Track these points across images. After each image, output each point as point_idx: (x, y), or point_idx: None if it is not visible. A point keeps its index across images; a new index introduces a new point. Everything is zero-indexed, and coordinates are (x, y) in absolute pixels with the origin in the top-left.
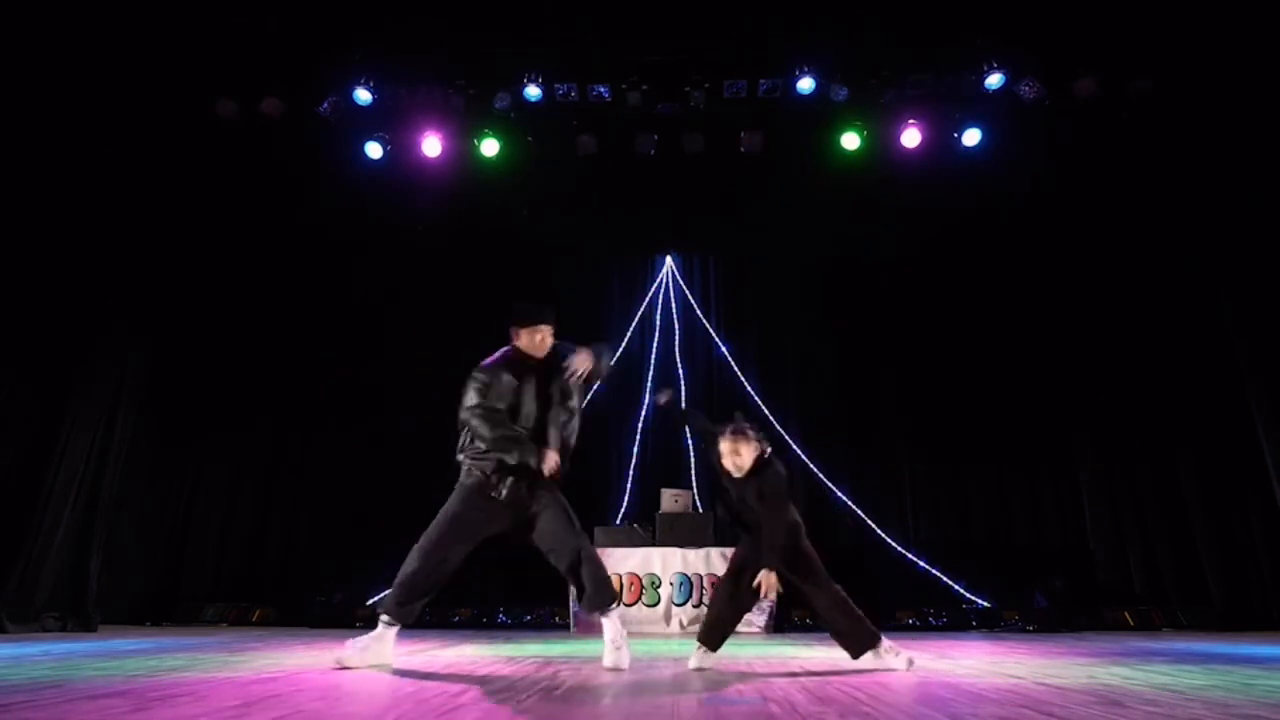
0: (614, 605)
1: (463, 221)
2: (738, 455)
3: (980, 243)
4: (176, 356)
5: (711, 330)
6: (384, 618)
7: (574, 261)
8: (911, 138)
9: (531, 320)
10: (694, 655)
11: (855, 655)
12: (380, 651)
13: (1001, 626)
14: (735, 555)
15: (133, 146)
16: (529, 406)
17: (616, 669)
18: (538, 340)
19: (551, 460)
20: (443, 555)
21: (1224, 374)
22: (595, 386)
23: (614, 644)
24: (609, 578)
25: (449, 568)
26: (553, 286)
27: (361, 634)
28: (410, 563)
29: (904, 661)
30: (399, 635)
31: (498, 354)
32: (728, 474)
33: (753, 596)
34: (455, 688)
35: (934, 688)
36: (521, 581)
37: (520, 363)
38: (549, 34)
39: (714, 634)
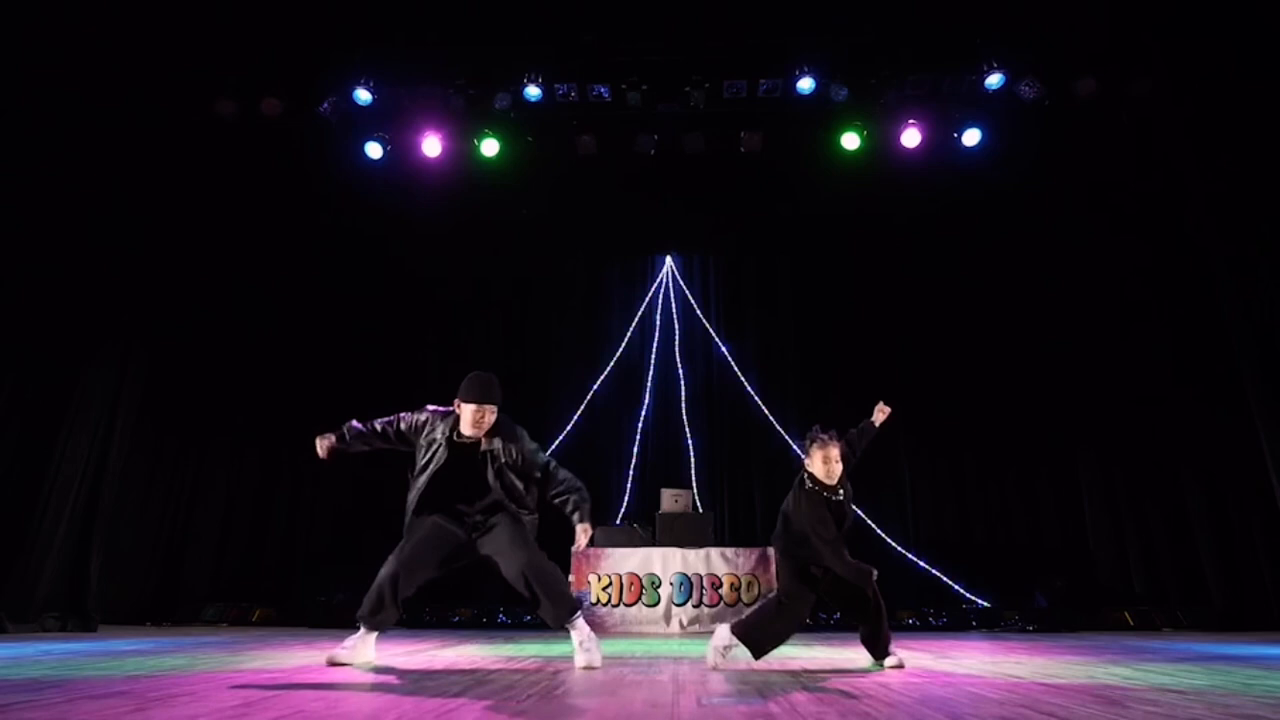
0: (576, 615)
1: (462, 222)
2: (836, 461)
3: (980, 242)
4: (177, 357)
5: (711, 330)
6: (361, 626)
7: (574, 261)
8: (911, 138)
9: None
10: (723, 644)
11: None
12: (364, 652)
13: (1001, 626)
14: (801, 570)
15: (132, 148)
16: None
17: (590, 667)
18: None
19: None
20: (410, 571)
21: (1224, 373)
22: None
23: (584, 646)
24: (565, 591)
25: (414, 584)
26: (552, 286)
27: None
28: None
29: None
30: (399, 636)
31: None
32: (828, 484)
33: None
34: (455, 688)
35: (934, 688)
36: None
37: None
38: (549, 34)
39: (765, 644)
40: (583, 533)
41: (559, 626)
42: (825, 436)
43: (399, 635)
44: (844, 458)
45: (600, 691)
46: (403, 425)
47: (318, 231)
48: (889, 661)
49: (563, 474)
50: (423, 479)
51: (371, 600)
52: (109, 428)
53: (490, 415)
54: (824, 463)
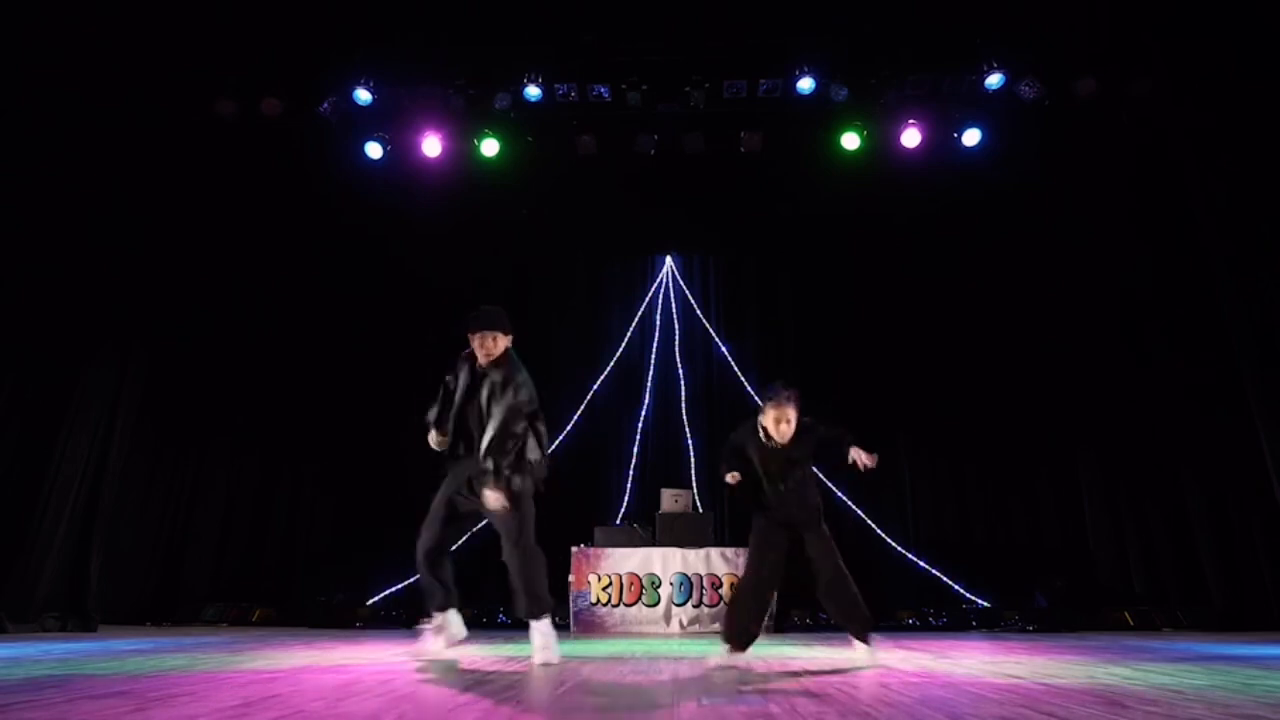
0: (544, 615)
1: (462, 221)
2: (786, 422)
3: (980, 242)
4: (177, 357)
5: (711, 330)
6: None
7: (574, 261)
8: (911, 138)
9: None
10: (721, 655)
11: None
12: (450, 633)
13: (1001, 626)
14: (763, 543)
15: (132, 148)
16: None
17: (546, 664)
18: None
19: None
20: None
21: (1224, 373)
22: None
23: (543, 646)
24: (540, 586)
25: (434, 539)
26: (552, 286)
27: (361, 633)
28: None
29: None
30: (399, 636)
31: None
32: (771, 443)
33: (778, 578)
34: (455, 687)
35: (934, 688)
36: None
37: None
38: (549, 34)
39: (745, 634)
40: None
41: (525, 619)
42: (785, 395)
43: (399, 635)
44: (802, 427)
45: (600, 692)
46: (449, 382)
47: (318, 232)
48: (868, 648)
49: (525, 423)
50: (451, 410)
51: (424, 589)
52: (109, 428)
53: (493, 341)
54: (775, 422)
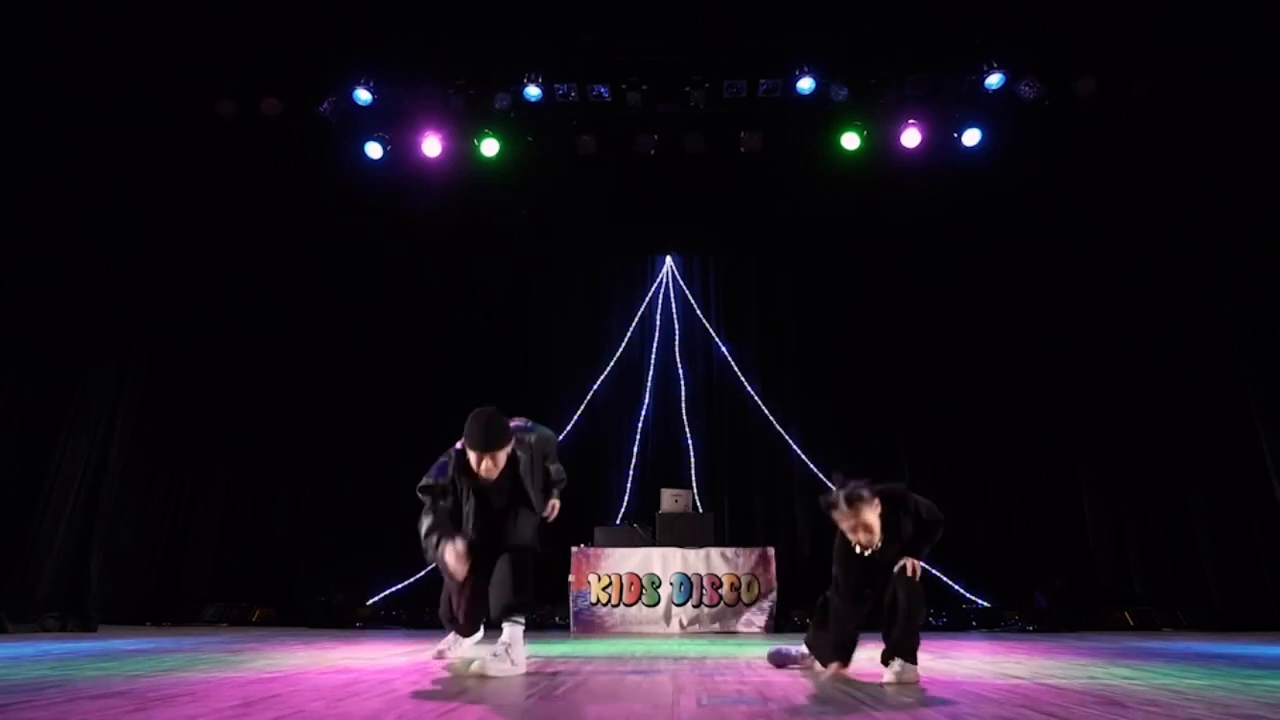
0: (515, 618)
1: (462, 222)
2: (866, 530)
3: (980, 242)
4: (177, 357)
5: (711, 330)
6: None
7: (574, 261)
8: (911, 138)
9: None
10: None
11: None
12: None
13: (1001, 626)
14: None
15: (132, 148)
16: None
17: (482, 674)
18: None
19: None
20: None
21: (1224, 373)
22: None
23: (495, 652)
24: (513, 590)
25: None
26: (552, 286)
27: (361, 633)
28: None
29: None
30: (399, 636)
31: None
32: (864, 553)
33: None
34: (455, 688)
35: (934, 688)
36: None
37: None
38: (549, 34)
39: (846, 650)
40: (552, 508)
41: (494, 618)
42: (846, 495)
43: (399, 635)
44: (887, 522)
45: (600, 692)
46: (445, 488)
47: (318, 232)
48: (893, 667)
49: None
50: (465, 525)
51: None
52: (109, 428)
53: (499, 459)
54: (853, 533)
